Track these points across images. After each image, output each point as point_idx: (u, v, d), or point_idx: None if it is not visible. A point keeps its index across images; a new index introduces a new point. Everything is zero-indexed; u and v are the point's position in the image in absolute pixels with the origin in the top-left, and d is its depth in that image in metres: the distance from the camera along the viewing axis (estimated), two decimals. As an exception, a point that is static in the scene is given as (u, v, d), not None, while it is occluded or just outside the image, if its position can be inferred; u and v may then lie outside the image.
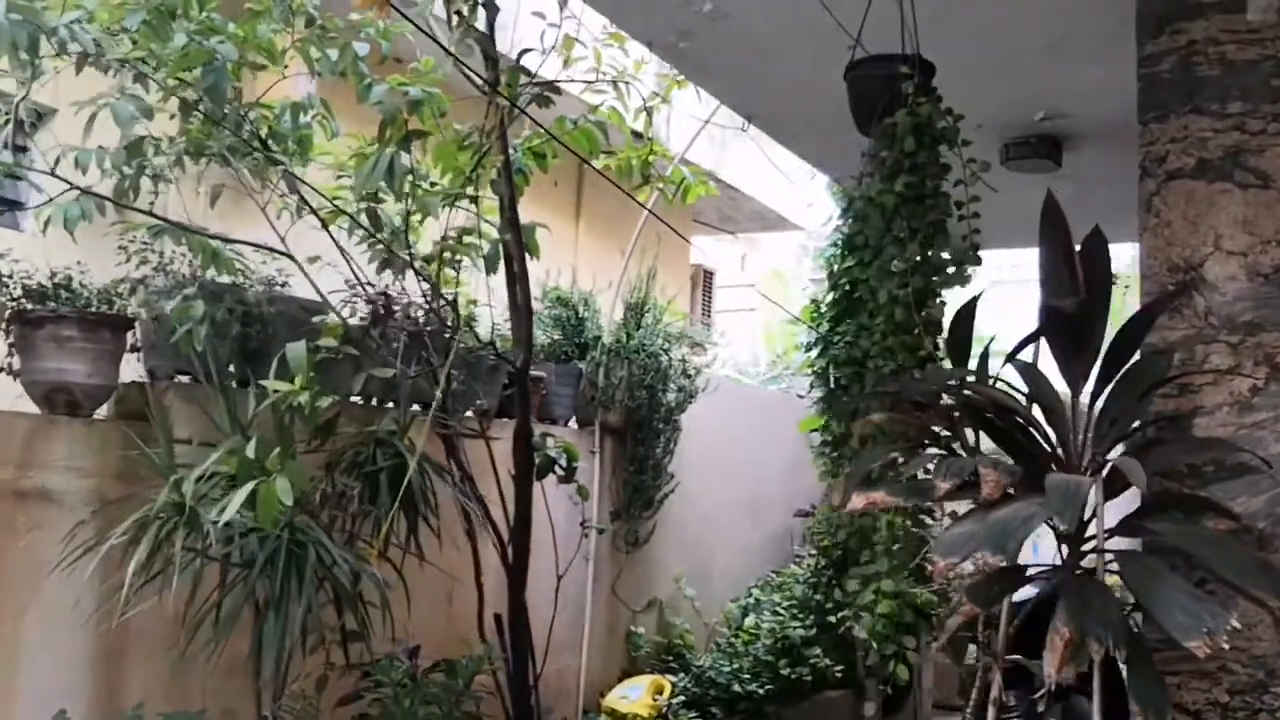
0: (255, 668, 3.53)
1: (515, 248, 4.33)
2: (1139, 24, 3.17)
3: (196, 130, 3.67)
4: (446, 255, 4.25)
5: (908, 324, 2.85)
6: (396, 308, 3.98)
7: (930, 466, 2.45)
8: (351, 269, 4.17)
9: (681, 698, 6.36)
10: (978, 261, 2.85)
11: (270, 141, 3.84)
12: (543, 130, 4.49)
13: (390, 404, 4.42)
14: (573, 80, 4.47)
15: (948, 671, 9.68)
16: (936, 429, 2.58)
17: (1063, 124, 4.94)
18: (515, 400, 4.66)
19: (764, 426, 8.31)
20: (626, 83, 4.51)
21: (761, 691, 6.61)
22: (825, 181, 7.19)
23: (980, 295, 2.84)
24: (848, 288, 6.87)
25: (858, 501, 2.30)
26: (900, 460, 2.48)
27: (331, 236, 4.18)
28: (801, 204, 9.63)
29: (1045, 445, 2.75)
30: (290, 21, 3.78)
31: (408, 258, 4.07)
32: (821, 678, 7.12)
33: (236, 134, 3.64)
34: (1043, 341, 2.88)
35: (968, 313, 2.77)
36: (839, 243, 6.94)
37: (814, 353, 7.15)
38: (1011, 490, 2.41)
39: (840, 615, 7.10)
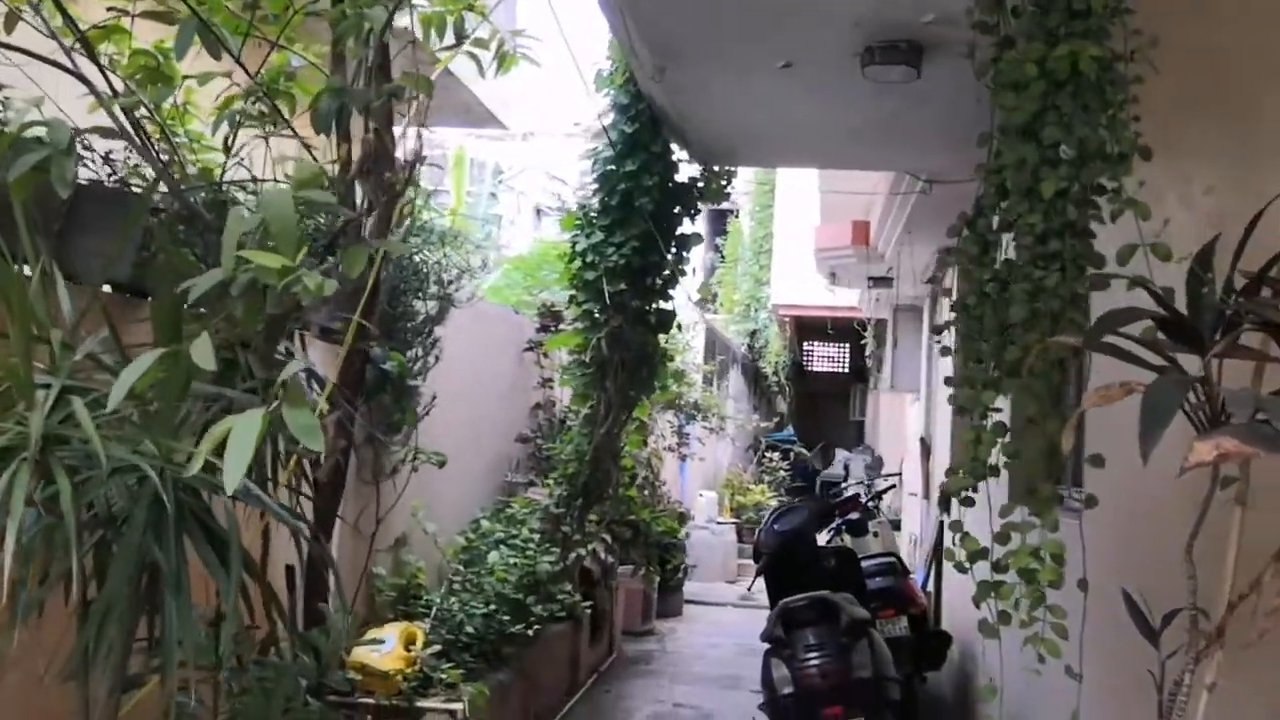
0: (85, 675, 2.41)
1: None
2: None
3: None
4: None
5: (1080, 223, 2.37)
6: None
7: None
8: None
9: (437, 646, 5.60)
10: (1147, 155, 2.42)
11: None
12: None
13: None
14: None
15: (632, 599, 9.62)
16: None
17: (935, 30, 4.62)
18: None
19: (486, 344, 7.55)
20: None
21: (515, 632, 5.99)
22: (595, 74, 6.51)
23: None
24: (623, 192, 6.33)
25: (1204, 451, 1.78)
26: (1213, 399, 1.99)
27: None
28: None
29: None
30: None
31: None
32: (570, 614, 6.63)
33: None
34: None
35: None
36: (616, 142, 6.35)
37: (578, 263, 6.54)
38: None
39: (590, 549, 6.67)
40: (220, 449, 2.05)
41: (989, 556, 2.57)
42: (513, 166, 14.49)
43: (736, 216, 20.16)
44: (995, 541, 2.55)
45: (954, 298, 8.23)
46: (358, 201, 3.23)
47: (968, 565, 2.58)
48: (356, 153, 3.23)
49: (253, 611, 2.97)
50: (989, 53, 2.69)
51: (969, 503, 2.63)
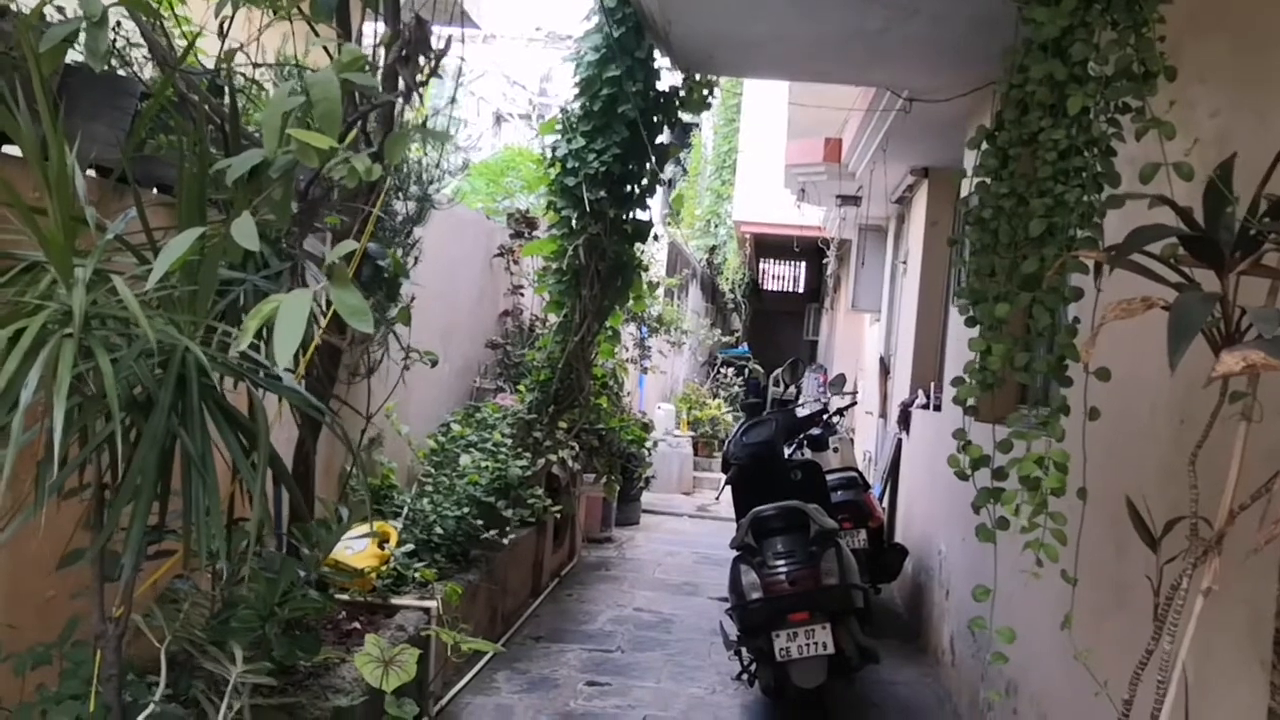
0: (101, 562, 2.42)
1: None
2: None
3: None
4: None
5: (1104, 140, 2.40)
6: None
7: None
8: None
9: (409, 546, 5.66)
10: (1172, 75, 2.45)
11: None
12: None
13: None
14: None
15: (593, 506, 9.73)
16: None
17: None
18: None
19: (459, 248, 7.49)
20: None
21: (485, 535, 6.06)
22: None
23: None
24: (606, 98, 6.26)
25: (1231, 363, 1.84)
26: (1230, 309, 2.05)
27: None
28: None
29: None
30: None
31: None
32: (537, 519, 6.71)
33: None
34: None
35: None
36: (601, 46, 6.26)
37: (558, 168, 6.48)
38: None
39: (559, 455, 6.72)
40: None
41: (989, 464, 2.65)
42: (473, 69, 14.20)
43: (699, 130, 20.00)
44: (998, 449, 2.63)
45: (925, 218, 8.32)
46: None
47: (969, 472, 2.65)
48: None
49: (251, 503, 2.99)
50: (1014, -33, 2.69)
51: (973, 412, 2.70)
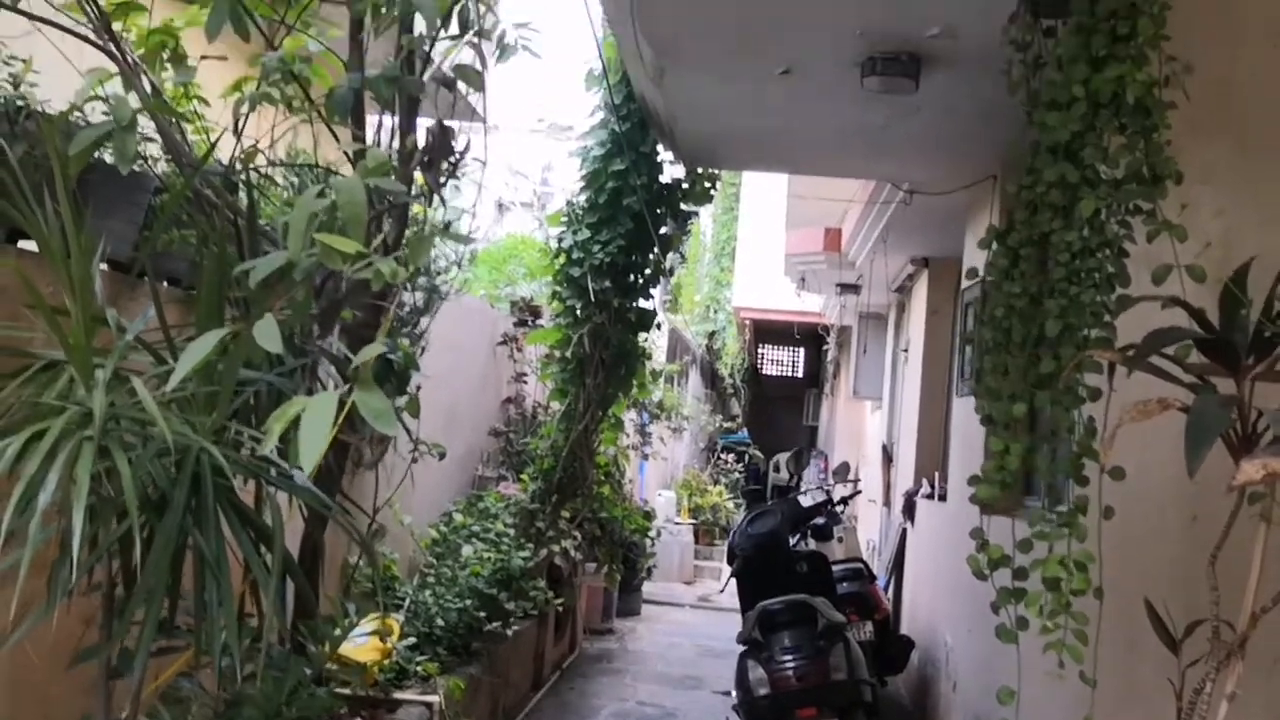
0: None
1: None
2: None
3: None
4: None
5: (1115, 243, 2.43)
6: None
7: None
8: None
9: (411, 639, 5.58)
10: (1179, 179, 2.49)
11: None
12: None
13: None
14: None
15: (594, 596, 9.63)
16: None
17: (936, 43, 4.69)
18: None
19: (462, 336, 7.52)
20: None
21: (488, 628, 5.98)
22: (585, 73, 6.52)
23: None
24: (611, 191, 6.35)
25: (1252, 471, 1.84)
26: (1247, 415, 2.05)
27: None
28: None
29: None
30: None
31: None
32: (540, 611, 6.63)
33: None
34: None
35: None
36: (606, 141, 6.37)
37: (563, 259, 6.55)
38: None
39: (562, 545, 6.67)
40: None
41: (1010, 564, 2.63)
42: (479, 160, 14.39)
43: (698, 217, 20.23)
44: (1018, 549, 2.61)
45: (926, 307, 8.37)
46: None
47: (988, 572, 2.63)
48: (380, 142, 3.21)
49: (257, 598, 2.96)
50: (1020, 71, 2.75)
51: (992, 512, 2.69)
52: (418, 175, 3.37)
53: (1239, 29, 2.87)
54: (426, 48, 3.08)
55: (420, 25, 3.21)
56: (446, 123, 3.30)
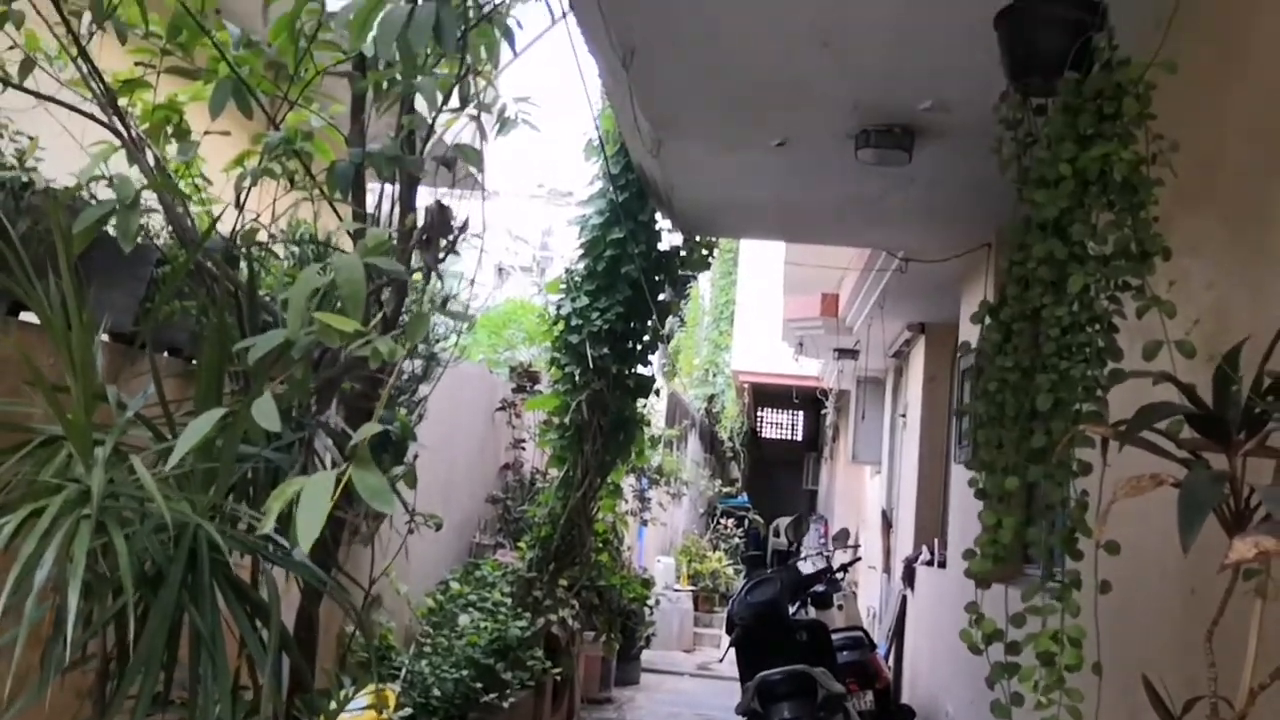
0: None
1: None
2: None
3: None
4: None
5: (1105, 318, 2.46)
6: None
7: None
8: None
9: (407, 709, 5.52)
10: (1167, 255, 2.52)
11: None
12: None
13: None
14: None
15: (592, 666, 9.53)
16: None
17: (928, 116, 4.77)
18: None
19: (460, 403, 7.54)
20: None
21: (484, 699, 5.93)
22: (584, 142, 6.62)
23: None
24: (610, 259, 6.41)
25: (1244, 550, 1.84)
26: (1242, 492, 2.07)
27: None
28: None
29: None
30: None
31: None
32: (537, 681, 6.57)
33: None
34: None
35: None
36: (605, 210, 6.44)
37: (562, 326, 6.59)
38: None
39: (560, 614, 6.62)
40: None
41: (1004, 638, 2.62)
42: (475, 225, 14.51)
43: (696, 282, 20.35)
44: (1011, 624, 2.60)
45: (923, 373, 8.39)
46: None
47: (983, 647, 2.62)
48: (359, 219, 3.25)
49: (252, 671, 2.94)
50: (1010, 149, 2.80)
51: (986, 585, 2.69)
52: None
53: (1222, 111, 2.93)
54: (427, 125, 3.12)
55: (421, 104, 3.26)
56: (446, 198, 3.35)
